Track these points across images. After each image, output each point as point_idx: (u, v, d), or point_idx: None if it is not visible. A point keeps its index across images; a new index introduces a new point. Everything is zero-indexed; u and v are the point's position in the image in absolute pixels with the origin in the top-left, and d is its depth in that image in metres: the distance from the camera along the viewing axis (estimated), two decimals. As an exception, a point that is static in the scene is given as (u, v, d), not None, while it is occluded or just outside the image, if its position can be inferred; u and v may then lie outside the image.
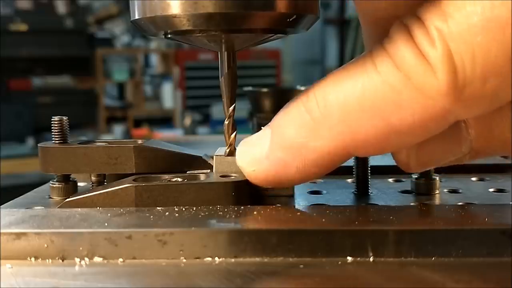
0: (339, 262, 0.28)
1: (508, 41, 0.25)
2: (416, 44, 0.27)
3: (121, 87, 5.25)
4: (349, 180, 0.46)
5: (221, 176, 0.36)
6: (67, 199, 0.36)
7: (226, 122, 0.39)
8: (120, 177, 0.38)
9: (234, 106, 0.39)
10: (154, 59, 5.55)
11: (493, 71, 0.26)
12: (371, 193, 0.41)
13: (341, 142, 0.30)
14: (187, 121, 3.99)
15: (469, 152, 0.33)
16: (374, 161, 0.41)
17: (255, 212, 0.32)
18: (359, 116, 0.29)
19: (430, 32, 0.27)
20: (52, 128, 0.40)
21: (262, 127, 0.34)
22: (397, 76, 0.27)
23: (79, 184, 0.43)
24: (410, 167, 0.34)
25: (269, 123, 0.33)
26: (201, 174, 0.38)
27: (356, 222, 0.30)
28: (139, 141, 0.41)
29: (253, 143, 0.33)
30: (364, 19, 0.34)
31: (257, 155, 0.33)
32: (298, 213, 0.33)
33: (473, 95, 0.27)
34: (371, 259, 0.29)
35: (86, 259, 0.29)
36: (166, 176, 0.38)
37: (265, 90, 0.57)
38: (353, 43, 5.31)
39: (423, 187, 0.41)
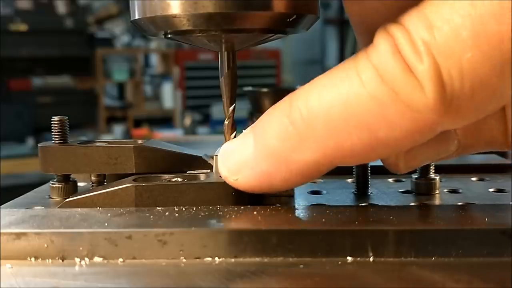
0: (339, 262, 0.28)
1: (496, 55, 0.25)
2: (402, 57, 0.26)
3: (121, 87, 5.25)
4: (349, 180, 0.46)
5: (221, 176, 0.36)
6: (67, 199, 0.36)
7: (226, 122, 0.39)
8: (120, 177, 0.38)
9: (234, 106, 0.39)
10: (154, 59, 5.54)
11: (481, 84, 0.26)
12: (371, 193, 0.41)
13: (328, 153, 0.29)
14: (187, 121, 3.99)
15: (457, 149, 0.33)
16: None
17: (255, 212, 0.32)
18: (344, 129, 0.28)
19: (416, 44, 0.26)
20: (52, 128, 0.40)
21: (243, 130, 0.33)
22: (383, 90, 0.27)
23: (79, 184, 0.43)
24: (399, 169, 0.34)
25: (251, 126, 0.32)
26: (201, 174, 0.38)
27: (356, 222, 0.30)
28: (139, 141, 0.41)
29: (235, 149, 0.33)
30: (354, 22, 0.34)
31: (240, 163, 0.32)
32: (298, 213, 0.33)
33: (461, 108, 0.26)
34: (371, 259, 0.29)
35: (86, 259, 0.29)
36: (166, 176, 0.38)
37: (265, 90, 0.57)
38: (353, 43, 5.31)
39: (423, 187, 0.41)
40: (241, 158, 0.32)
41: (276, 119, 0.30)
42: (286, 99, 0.30)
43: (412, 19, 0.27)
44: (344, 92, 0.28)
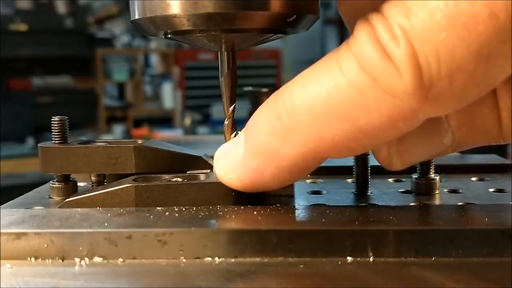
0: (339, 262, 0.28)
1: (472, 38, 0.25)
2: (380, 43, 0.26)
3: (121, 87, 5.25)
4: (349, 180, 0.46)
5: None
6: (67, 199, 0.36)
7: (226, 122, 0.39)
8: (120, 177, 0.38)
9: (234, 106, 0.39)
10: (154, 59, 5.55)
11: (458, 69, 0.25)
12: (371, 193, 0.41)
13: (312, 146, 0.29)
14: (187, 121, 3.99)
15: (452, 144, 0.32)
16: (374, 161, 0.41)
17: (255, 212, 0.32)
18: (326, 121, 0.28)
19: (393, 30, 0.26)
20: (52, 128, 0.40)
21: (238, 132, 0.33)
22: (362, 78, 0.27)
23: (79, 184, 0.43)
24: (393, 164, 0.33)
25: (244, 128, 0.32)
26: (201, 174, 0.38)
27: (356, 222, 0.30)
28: (139, 141, 0.41)
29: (229, 149, 0.33)
30: (346, 19, 0.34)
31: (233, 162, 0.32)
32: (298, 213, 0.33)
33: (440, 94, 0.26)
34: (371, 259, 0.29)
35: (86, 259, 0.29)
36: (166, 176, 0.38)
37: (265, 90, 0.57)
38: (353, 43, 5.30)
39: (423, 187, 0.41)
40: (234, 157, 0.32)
41: (264, 116, 0.30)
42: (273, 95, 0.30)
43: (391, 7, 0.27)
44: (325, 83, 0.28)
